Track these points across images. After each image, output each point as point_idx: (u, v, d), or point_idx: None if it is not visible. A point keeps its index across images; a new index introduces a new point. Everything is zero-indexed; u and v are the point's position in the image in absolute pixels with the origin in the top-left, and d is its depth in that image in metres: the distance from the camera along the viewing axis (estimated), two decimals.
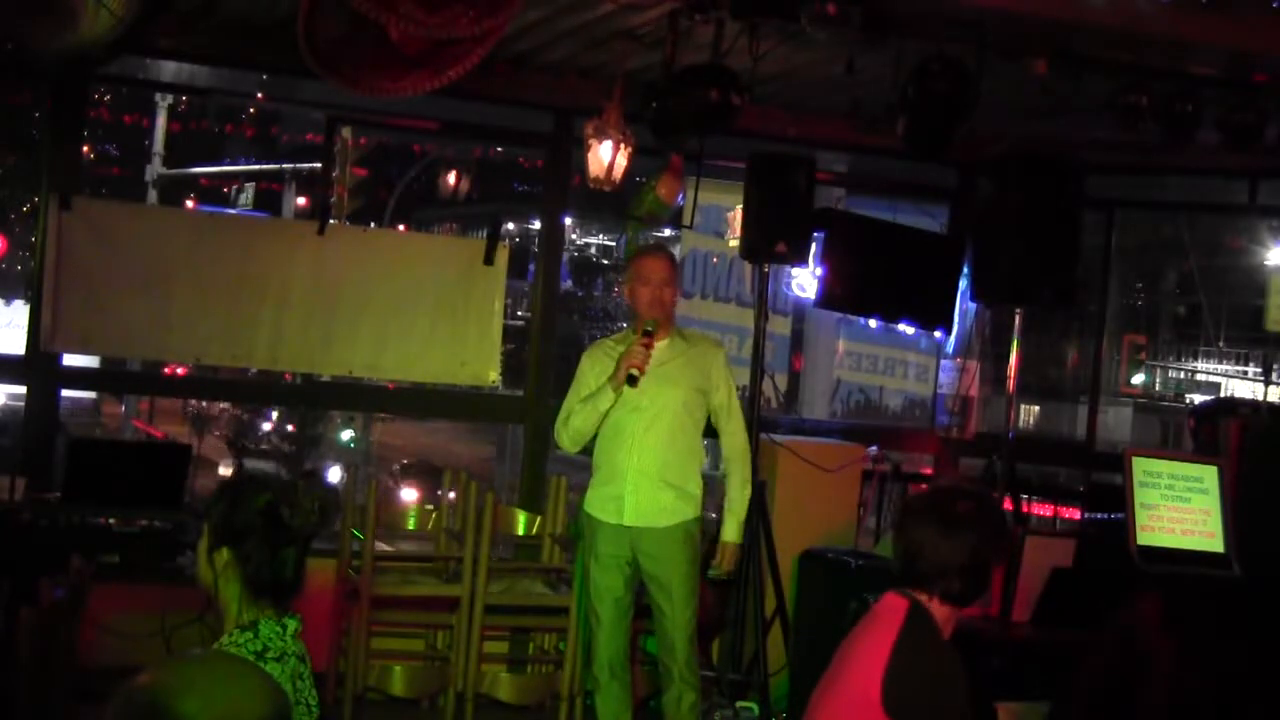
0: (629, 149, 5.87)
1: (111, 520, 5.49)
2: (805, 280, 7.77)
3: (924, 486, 4.79)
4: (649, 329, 4.87)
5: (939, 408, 8.08)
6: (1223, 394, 19.16)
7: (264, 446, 20.04)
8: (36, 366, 6.15)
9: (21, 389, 6.55)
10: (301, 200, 18.28)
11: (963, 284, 6.72)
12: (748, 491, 5.19)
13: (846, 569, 5.93)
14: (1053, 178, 6.07)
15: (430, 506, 6.47)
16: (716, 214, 8.20)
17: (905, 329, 8.02)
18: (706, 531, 5.35)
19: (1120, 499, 5.46)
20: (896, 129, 5.49)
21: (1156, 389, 22.99)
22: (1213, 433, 5.99)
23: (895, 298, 6.70)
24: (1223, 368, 22.66)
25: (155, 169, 18.14)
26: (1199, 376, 22.95)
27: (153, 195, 17.84)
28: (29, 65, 6.03)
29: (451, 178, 17.38)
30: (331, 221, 7.98)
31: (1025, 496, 6.78)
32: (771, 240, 6.04)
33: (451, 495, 6.48)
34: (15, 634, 4.96)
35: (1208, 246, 20.66)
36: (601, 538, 4.99)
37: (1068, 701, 3.68)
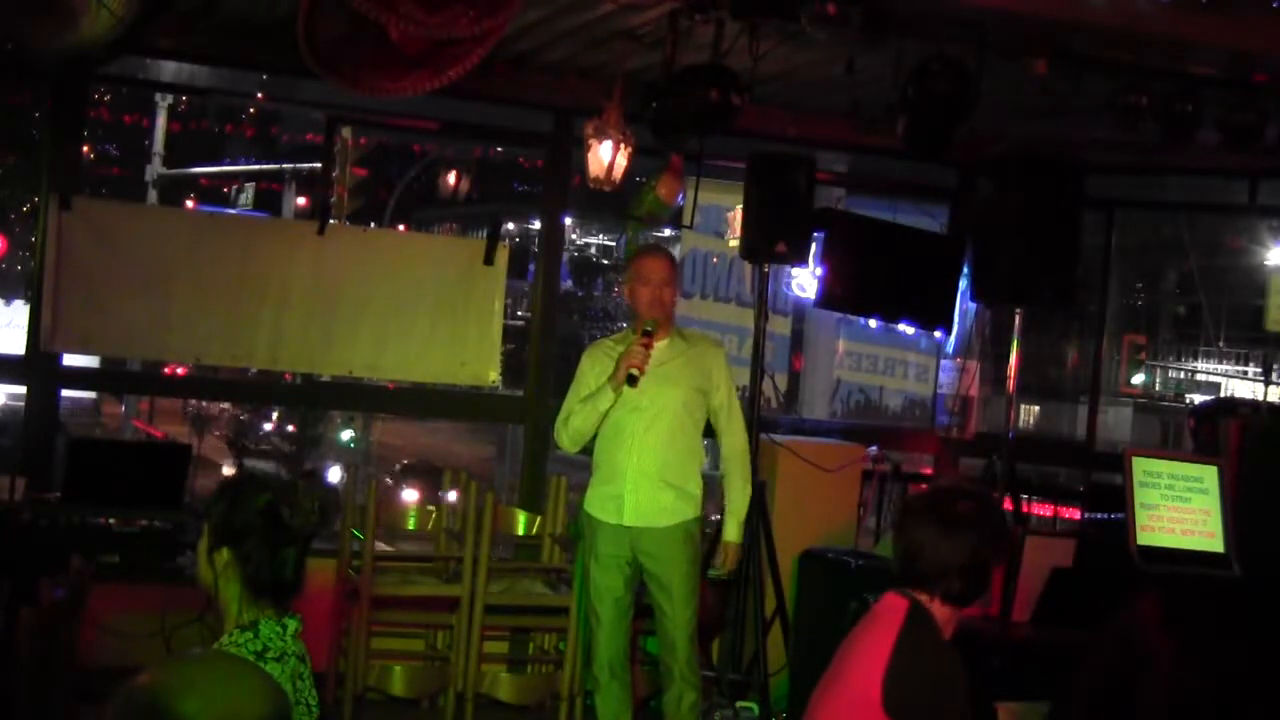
0: (629, 149, 5.87)
1: (111, 520, 5.49)
2: (805, 280, 7.77)
3: (924, 486, 4.79)
4: (649, 329, 4.87)
5: (939, 408, 8.08)
6: (1223, 394, 19.16)
7: (264, 447, 20.03)
8: (36, 366, 6.15)
9: (21, 389, 6.55)
10: (301, 200, 18.28)
11: (963, 284, 6.72)
12: (748, 492, 5.19)
13: (846, 569, 5.93)
14: (1053, 178, 6.07)
15: (431, 507, 6.47)
16: (716, 214, 8.20)
17: (905, 329, 8.02)
18: (706, 533, 5.36)
19: (1120, 499, 5.46)
20: (896, 129, 5.49)
21: (1156, 389, 22.99)
22: (1213, 433, 5.99)
23: (895, 298, 6.70)
24: (1223, 368, 22.66)
25: (155, 169, 18.14)
26: (1199, 376, 22.95)
27: (153, 195, 17.85)
28: (29, 65, 6.03)
29: (451, 178, 17.38)
30: (331, 221, 7.98)
31: (1025, 496, 6.78)
32: (771, 240, 6.04)
33: (452, 496, 6.48)
34: (15, 634, 4.96)
35: (1208, 246, 20.66)
36: (601, 538, 4.99)
37: (1068, 701, 3.68)
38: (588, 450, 5.10)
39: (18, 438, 6.86)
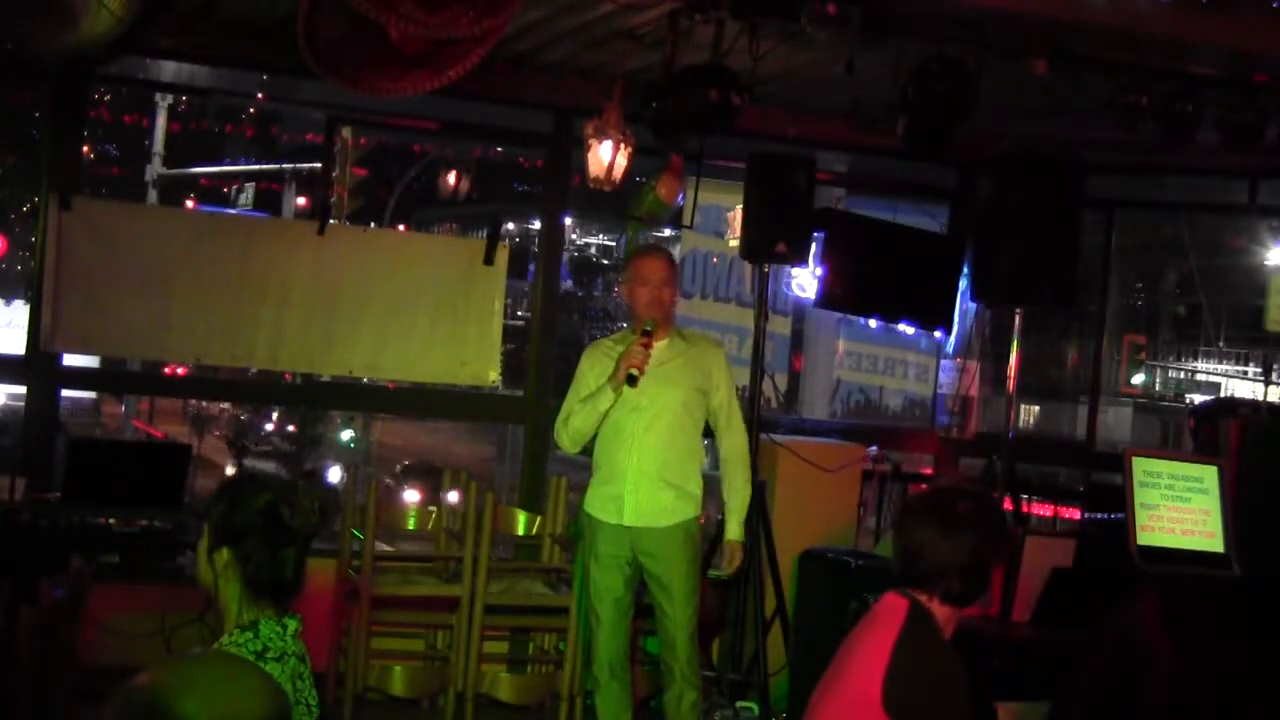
0: (629, 149, 5.87)
1: (111, 520, 5.49)
2: (805, 280, 7.77)
3: (924, 486, 4.79)
4: (648, 329, 4.87)
5: (939, 408, 8.08)
6: (1223, 394, 19.16)
7: (264, 448, 20.04)
8: (36, 366, 6.15)
9: (21, 389, 6.55)
10: (301, 200, 18.28)
11: (963, 284, 6.72)
12: (749, 490, 5.18)
13: (846, 569, 5.93)
14: (1053, 178, 6.07)
15: (431, 508, 6.47)
16: (716, 214, 8.20)
17: (905, 329, 8.02)
18: (706, 534, 5.35)
19: (1120, 499, 5.46)
20: (896, 129, 5.49)
21: (1156, 389, 22.99)
22: (1213, 433, 5.99)
23: (895, 298, 6.70)
24: (1223, 368, 22.66)
25: (155, 169, 18.14)
26: (1199, 376, 22.95)
27: (153, 195, 17.85)
28: (29, 65, 6.03)
29: (451, 178, 17.37)
30: (331, 221, 7.98)
31: (1025, 496, 6.78)
32: (771, 240, 6.04)
33: (452, 497, 6.48)
34: (15, 634, 4.96)
35: (1208, 246, 20.66)
36: (601, 538, 4.99)
37: (1068, 701, 3.68)
38: (588, 450, 5.10)
39: (18, 438, 6.86)
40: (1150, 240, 20.91)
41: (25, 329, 6.24)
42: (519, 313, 16.31)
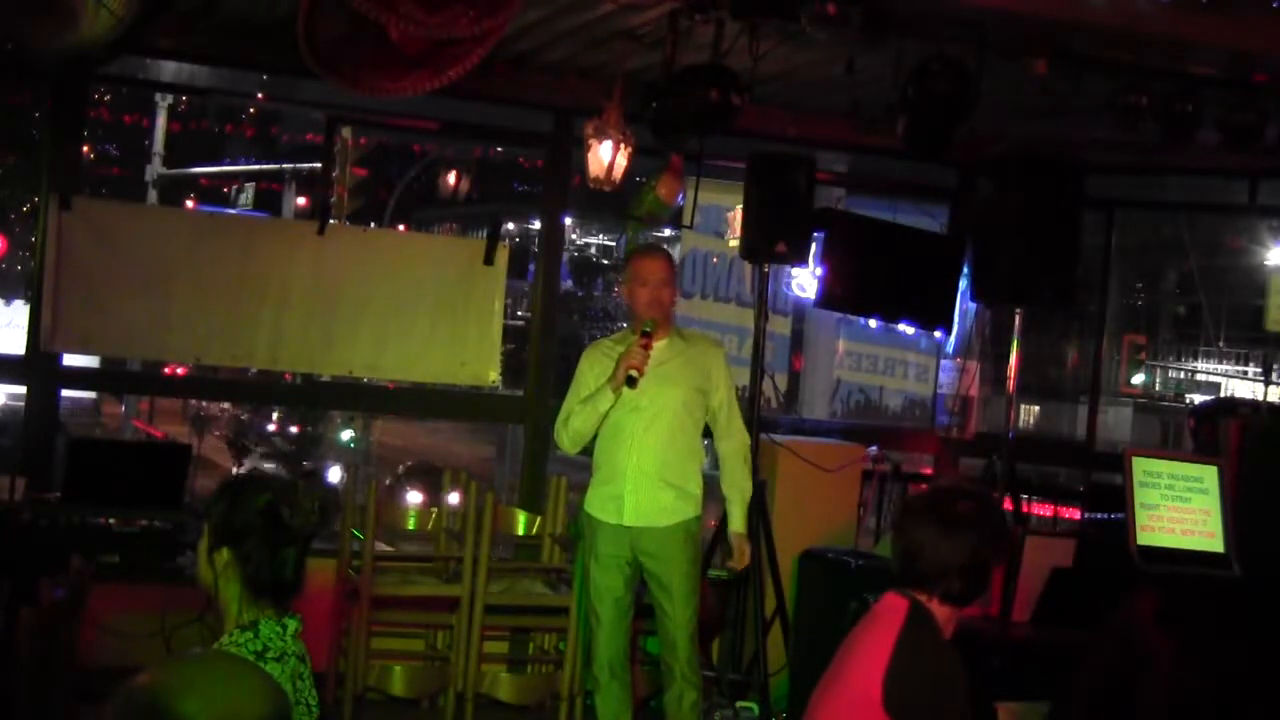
0: (629, 149, 5.87)
1: (111, 520, 5.49)
2: (805, 280, 7.77)
3: (924, 486, 4.79)
4: (647, 329, 4.87)
5: (939, 408, 8.08)
6: (1223, 394, 19.16)
7: (264, 449, 20.03)
8: (36, 366, 6.15)
9: (21, 389, 6.55)
10: (301, 200, 18.27)
11: (963, 284, 6.72)
12: (750, 485, 5.16)
13: (846, 569, 5.93)
14: (1053, 178, 6.07)
15: (432, 509, 6.47)
16: (716, 214, 8.20)
17: (905, 329, 8.02)
18: (705, 535, 5.35)
19: (1120, 499, 5.46)
20: (896, 129, 5.49)
21: (1156, 389, 22.99)
22: (1213, 433, 5.99)
23: (895, 298, 6.70)
24: (1223, 368, 22.67)
25: (155, 169, 18.13)
26: (1199, 376, 22.95)
27: (153, 195, 17.83)
28: (29, 65, 6.03)
29: (451, 178, 17.36)
30: (331, 221, 7.98)
31: (1025, 496, 6.78)
32: (771, 240, 6.04)
33: (453, 499, 6.48)
34: (15, 634, 4.96)
35: (1208, 246, 20.66)
36: (601, 538, 4.99)
37: (1068, 701, 3.68)
38: (588, 450, 5.10)
39: (18, 438, 6.86)
40: (1150, 240, 20.91)
41: (25, 329, 6.24)
42: (519, 313, 16.31)
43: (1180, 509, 5.44)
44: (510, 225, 23.46)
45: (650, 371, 4.84)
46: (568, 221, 8.24)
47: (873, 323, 7.98)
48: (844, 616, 4.24)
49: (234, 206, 19.37)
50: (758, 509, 5.62)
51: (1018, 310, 6.46)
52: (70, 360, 6.58)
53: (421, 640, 6.15)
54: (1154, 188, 8.61)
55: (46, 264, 6.05)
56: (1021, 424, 16.14)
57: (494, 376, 6.78)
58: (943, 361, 8.30)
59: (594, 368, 5.02)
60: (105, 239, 6.14)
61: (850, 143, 7.14)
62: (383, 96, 5.10)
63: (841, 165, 7.86)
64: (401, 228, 21.41)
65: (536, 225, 13.63)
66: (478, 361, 6.66)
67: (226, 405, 19.19)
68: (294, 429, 20.05)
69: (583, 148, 5.97)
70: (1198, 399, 18.19)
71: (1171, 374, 23.69)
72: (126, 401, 19.46)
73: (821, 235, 6.46)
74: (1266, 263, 16.37)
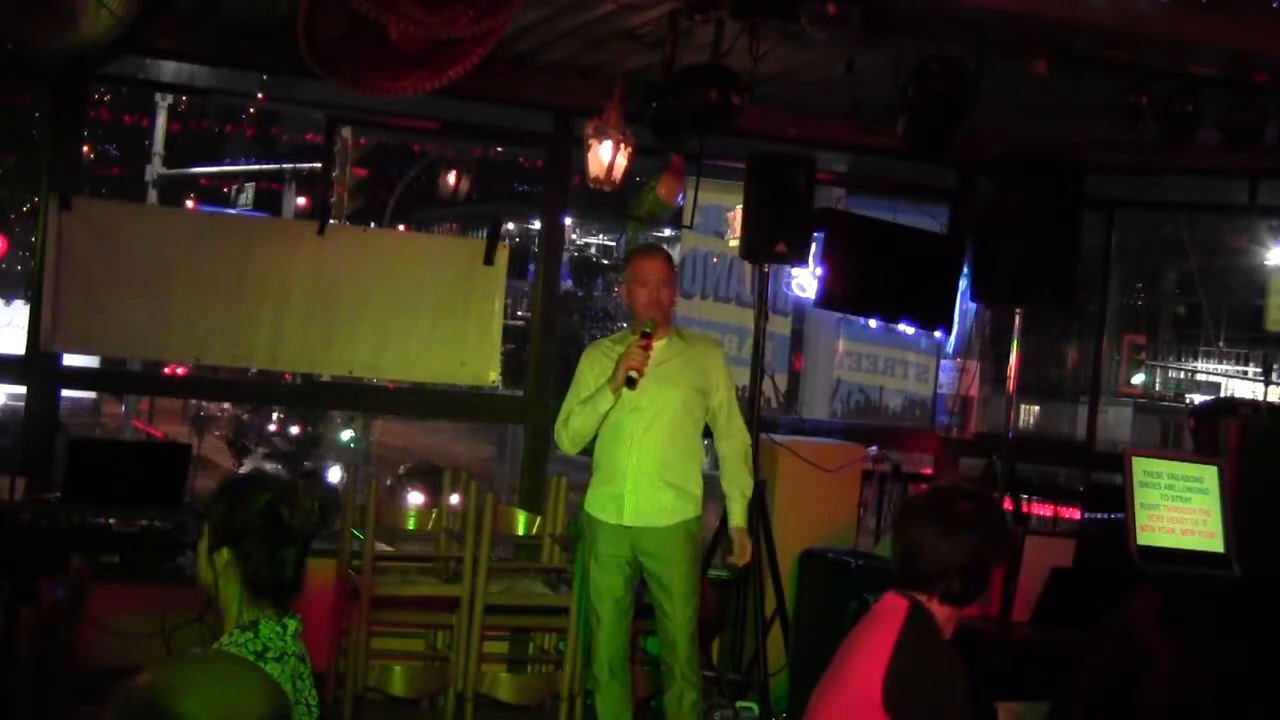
0: (629, 149, 5.87)
1: (111, 520, 5.49)
2: (805, 280, 7.77)
3: (924, 486, 4.79)
4: (647, 330, 4.87)
5: (939, 408, 8.08)
6: (1223, 394, 19.17)
7: (264, 449, 20.03)
8: (36, 366, 6.15)
9: (21, 389, 6.55)
10: (301, 200, 18.27)
11: (963, 284, 6.72)
12: (751, 482, 5.15)
13: (846, 569, 5.93)
14: (1053, 178, 6.07)
15: (433, 510, 6.47)
16: (716, 214, 8.21)
17: (905, 329, 8.02)
18: (705, 535, 5.35)
19: (1120, 499, 5.47)
20: (896, 129, 5.49)
21: (1156, 389, 22.99)
22: (1213, 433, 5.99)
23: (895, 298, 6.70)
24: (1223, 368, 22.67)
25: (155, 169, 18.13)
26: (1199, 376, 22.95)
27: (153, 195, 17.83)
28: (29, 65, 6.03)
29: (451, 178, 17.35)
30: (331, 221, 7.98)
31: (1025, 496, 6.78)
32: (771, 240, 6.04)
33: (454, 500, 6.48)
34: (15, 634, 4.96)
35: (1208, 246, 20.66)
36: (601, 538, 4.99)
37: (1068, 701, 3.68)
38: (588, 450, 5.10)
39: (18, 438, 6.86)
40: (1150, 240, 20.91)
41: (25, 329, 6.24)
42: (519, 313, 16.30)
43: (1180, 509, 5.44)
44: (510, 225, 23.46)
45: (650, 371, 4.84)
46: (568, 221, 8.25)
47: (873, 323, 7.99)
48: (844, 616, 4.24)
49: (234, 206, 19.37)
50: (758, 509, 5.62)
51: (1018, 310, 6.46)
52: (70, 360, 6.58)
53: (421, 640, 6.15)
54: (1154, 188, 8.61)
55: (46, 264, 6.05)
56: (1021, 424, 16.14)
57: (494, 376, 6.78)
58: (943, 361, 8.31)
59: (594, 368, 5.02)
60: (105, 239, 6.14)
61: (850, 143, 7.14)
62: (383, 96, 5.10)
63: (841, 165, 7.86)
64: (401, 228, 21.41)
65: (536, 225, 13.63)
66: (478, 361, 6.65)
67: (226, 405, 19.19)
68: (294, 429, 20.04)
69: (583, 148, 5.97)
70: (1198, 399, 18.20)
71: (1171, 374, 23.69)
72: (126, 401, 19.45)
73: (821, 235, 6.46)
74: (1266, 263, 16.37)
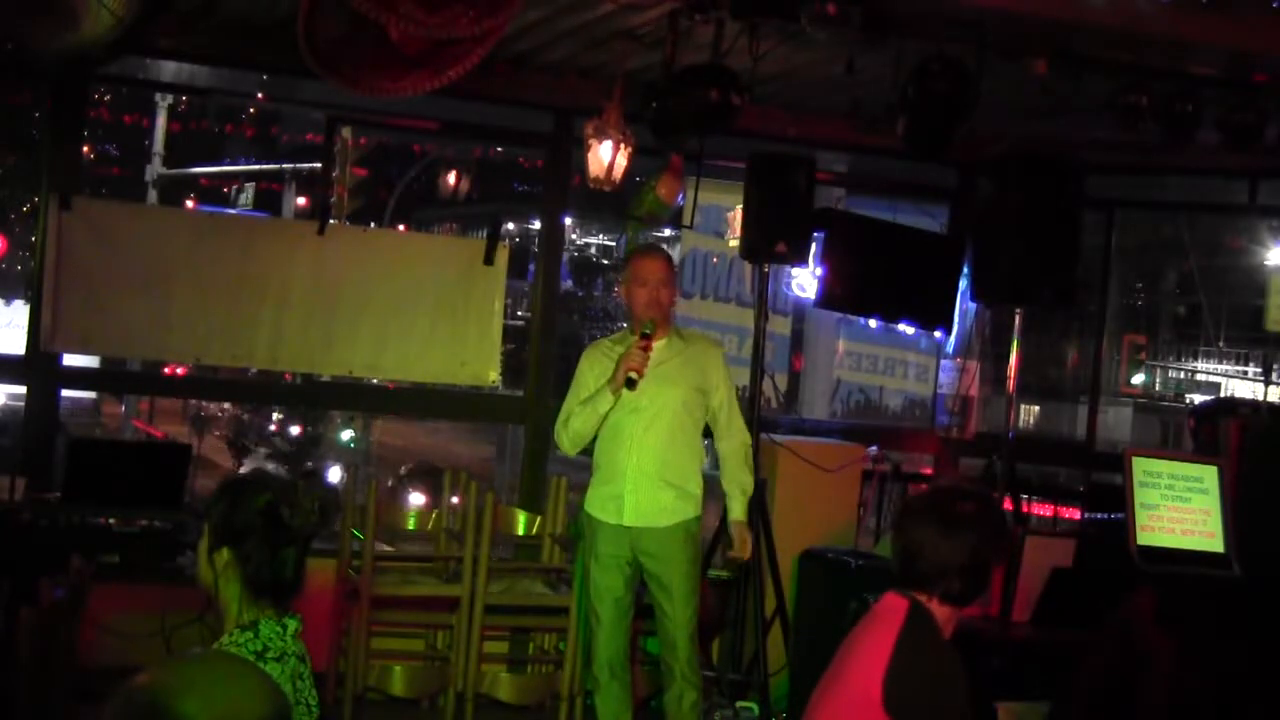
0: (629, 149, 5.87)
1: (111, 520, 5.49)
2: (805, 280, 7.77)
3: (924, 486, 4.79)
4: (647, 330, 4.87)
5: (939, 408, 8.08)
6: (1223, 394, 19.17)
7: (264, 449, 20.03)
8: (36, 366, 6.15)
9: (21, 389, 6.55)
10: (301, 200, 18.27)
11: (963, 284, 6.72)
12: (751, 479, 5.15)
13: (846, 569, 5.93)
14: (1053, 178, 6.07)
15: (434, 510, 6.47)
16: (716, 214, 8.20)
17: (905, 329, 8.02)
18: (705, 535, 5.35)
19: (1120, 499, 5.46)
20: (896, 129, 5.49)
21: (1156, 389, 22.99)
22: (1213, 433, 5.99)
23: (895, 298, 6.71)
24: (1223, 368, 22.67)
25: (155, 169, 18.12)
26: (1199, 376, 22.95)
27: (153, 195, 17.83)
28: (29, 65, 6.03)
29: (451, 178, 17.35)
30: (331, 221, 7.98)
31: (1025, 496, 6.78)
32: (771, 240, 6.04)
33: (454, 500, 6.48)
34: (15, 634, 4.96)
35: (1208, 246, 20.66)
36: (601, 538, 4.99)
37: (1068, 701, 3.68)
38: (588, 450, 5.10)
39: (18, 438, 6.86)
40: (1150, 240, 20.91)
41: (25, 329, 6.25)
42: (519, 313, 16.30)
43: (1180, 509, 5.44)
44: (510, 225, 23.45)
45: (650, 372, 4.84)
46: (568, 221, 8.25)
47: (873, 323, 7.99)
48: (844, 616, 4.24)
49: (234, 206, 19.36)
50: (758, 509, 5.62)
51: (1018, 310, 6.46)
52: (70, 360, 6.58)
53: (421, 640, 6.15)
54: (1154, 188, 8.61)
55: (46, 264, 6.05)
56: (1021, 424, 16.14)
57: (494, 376, 6.78)
58: (943, 361, 8.30)
59: (594, 368, 5.02)
60: (105, 239, 6.14)
61: (850, 143, 7.14)
62: (383, 96, 5.10)
63: (841, 165, 7.86)
64: (401, 228, 21.40)
65: (536, 225, 13.63)
66: (478, 361, 6.66)
67: (226, 405, 19.19)
68: (294, 429, 20.04)
69: (583, 148, 5.97)
70: (1198, 399, 18.20)
71: (1171, 374, 23.69)
72: (126, 401, 19.45)
73: (821, 235, 6.46)
74: (1266, 263, 16.36)
